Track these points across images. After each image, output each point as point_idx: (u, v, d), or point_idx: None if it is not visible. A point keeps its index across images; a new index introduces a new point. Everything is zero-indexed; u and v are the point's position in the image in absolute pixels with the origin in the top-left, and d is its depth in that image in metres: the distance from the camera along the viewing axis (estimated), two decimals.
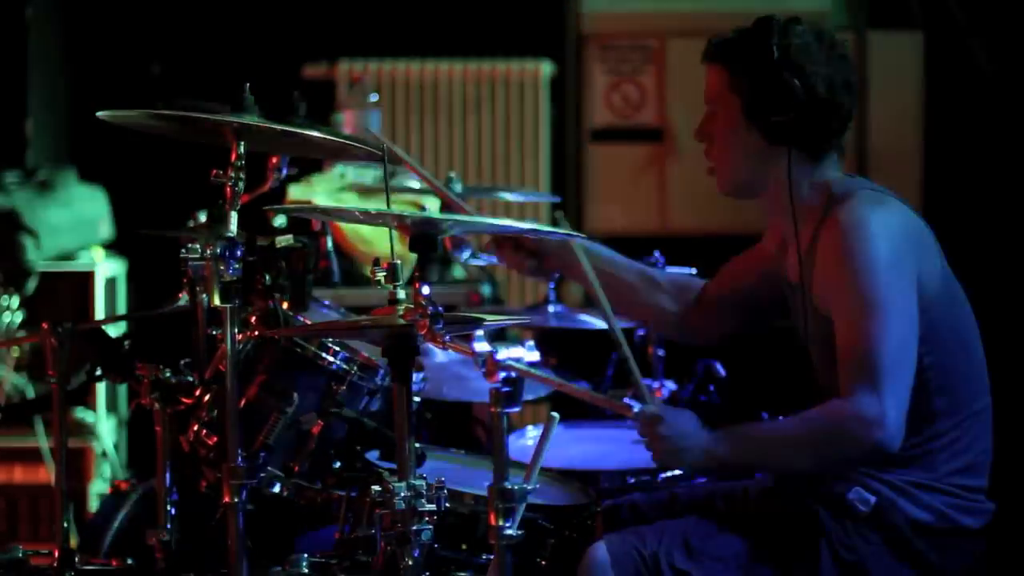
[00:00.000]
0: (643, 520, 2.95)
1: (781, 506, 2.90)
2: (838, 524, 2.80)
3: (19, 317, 4.53)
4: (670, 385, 4.38)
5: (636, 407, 2.82)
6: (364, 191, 4.73)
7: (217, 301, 2.91)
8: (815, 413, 2.78)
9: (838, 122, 2.89)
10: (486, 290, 4.77)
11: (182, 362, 3.17)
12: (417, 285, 2.57)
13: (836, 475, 2.83)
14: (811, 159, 2.90)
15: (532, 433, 3.76)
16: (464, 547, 3.01)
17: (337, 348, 3.11)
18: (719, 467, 2.87)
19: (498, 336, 4.49)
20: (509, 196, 5.20)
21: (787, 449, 2.79)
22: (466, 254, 3.36)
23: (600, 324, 4.26)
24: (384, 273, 2.68)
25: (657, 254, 4.39)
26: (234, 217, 2.96)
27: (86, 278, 5.57)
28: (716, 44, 2.95)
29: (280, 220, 4.06)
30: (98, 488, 5.33)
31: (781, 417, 3.21)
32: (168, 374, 3.12)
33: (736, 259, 3.22)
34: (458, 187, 4.21)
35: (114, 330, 3.39)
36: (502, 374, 2.48)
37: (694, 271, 4.46)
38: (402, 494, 2.63)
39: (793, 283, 2.96)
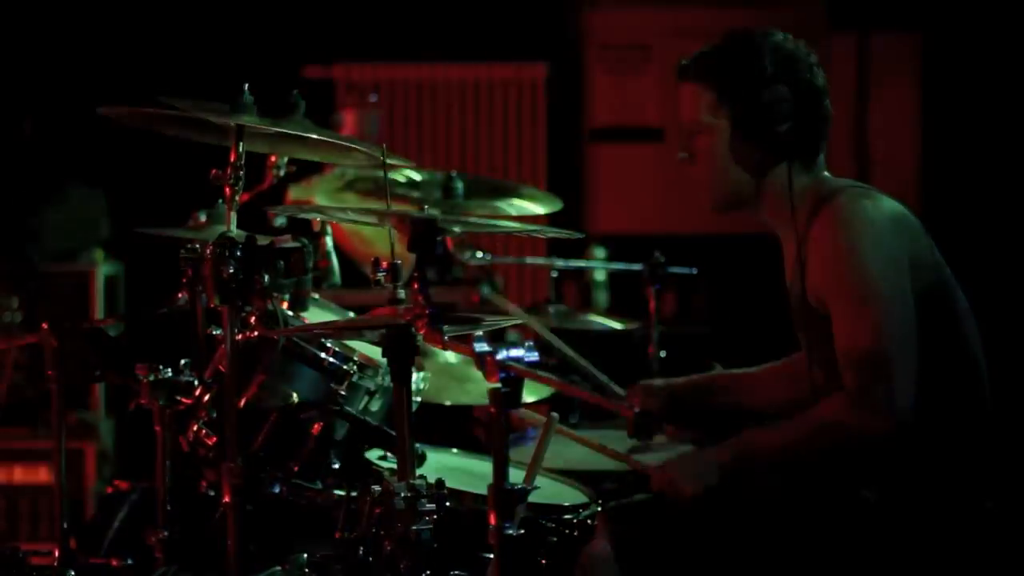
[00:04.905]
0: (647, 516, 2.94)
1: (784, 501, 2.90)
2: (839, 521, 2.80)
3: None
4: None
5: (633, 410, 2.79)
6: (364, 191, 4.73)
7: (217, 301, 2.91)
8: (822, 410, 2.76)
9: (825, 126, 2.91)
10: (486, 290, 4.77)
11: (182, 362, 3.17)
12: (416, 285, 2.57)
13: (835, 472, 2.84)
14: (807, 166, 2.91)
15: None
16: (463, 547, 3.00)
17: (336, 348, 3.11)
18: (733, 475, 2.82)
19: (497, 336, 4.49)
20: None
21: (793, 445, 2.77)
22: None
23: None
24: (384, 273, 2.68)
25: (657, 254, 4.40)
26: (234, 217, 2.96)
27: (86, 278, 5.58)
28: (694, 62, 2.93)
29: (280, 220, 4.06)
30: (98, 488, 5.33)
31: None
32: (168, 374, 3.12)
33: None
34: (460, 186, 4.21)
35: (113, 330, 3.39)
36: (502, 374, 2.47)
37: (695, 271, 4.47)
38: (402, 494, 2.63)
39: (790, 281, 2.96)
